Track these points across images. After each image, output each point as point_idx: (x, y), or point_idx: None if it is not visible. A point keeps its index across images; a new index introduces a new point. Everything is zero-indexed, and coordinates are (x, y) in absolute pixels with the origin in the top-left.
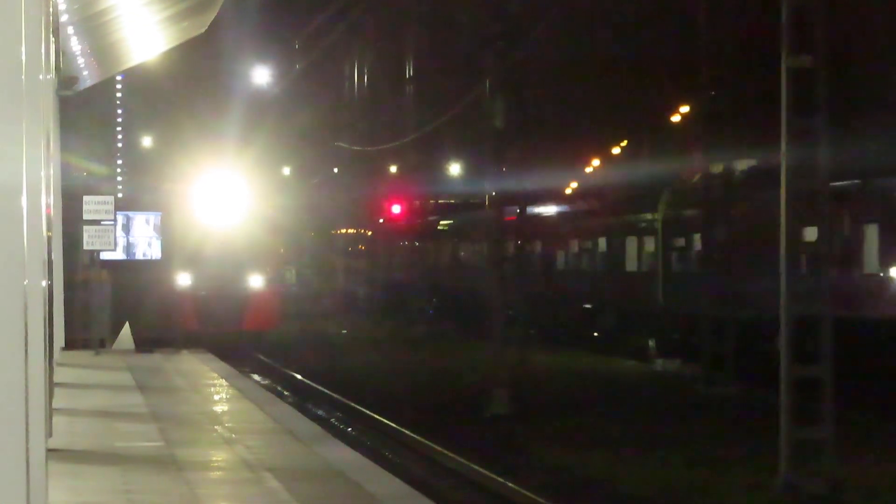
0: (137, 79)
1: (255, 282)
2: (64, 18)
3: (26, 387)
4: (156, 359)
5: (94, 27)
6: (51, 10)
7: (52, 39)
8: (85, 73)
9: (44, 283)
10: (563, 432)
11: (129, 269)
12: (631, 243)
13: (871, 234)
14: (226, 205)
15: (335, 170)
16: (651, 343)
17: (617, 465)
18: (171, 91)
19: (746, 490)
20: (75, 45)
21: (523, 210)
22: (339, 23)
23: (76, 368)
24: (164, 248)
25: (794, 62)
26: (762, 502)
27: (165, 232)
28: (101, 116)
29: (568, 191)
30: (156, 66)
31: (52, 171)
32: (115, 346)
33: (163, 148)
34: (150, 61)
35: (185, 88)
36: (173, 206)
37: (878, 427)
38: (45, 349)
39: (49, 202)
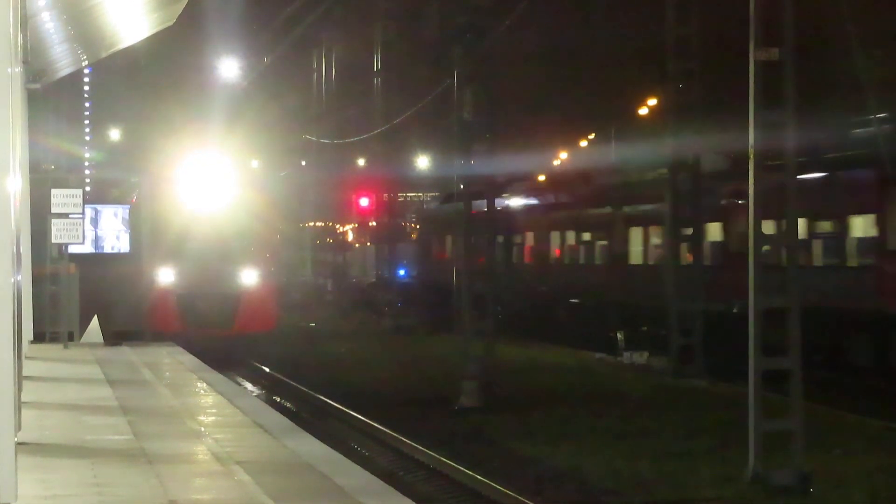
0: (105, 72)
1: (249, 277)
2: (42, 3)
3: None
4: (124, 352)
5: (71, 16)
6: (19, 3)
7: (21, 32)
8: (61, 62)
9: (13, 277)
10: (532, 424)
11: (99, 262)
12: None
13: None
14: (210, 189)
15: (303, 162)
16: (620, 335)
17: (586, 457)
18: (140, 84)
19: (715, 482)
20: (51, 32)
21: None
22: (308, 16)
23: (45, 362)
24: (141, 242)
25: (762, 55)
26: (731, 494)
27: (143, 223)
28: (69, 109)
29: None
30: (123, 58)
31: (19, 165)
32: (84, 339)
33: (132, 140)
34: (116, 54)
35: (154, 81)
36: (151, 195)
37: (845, 418)
38: (14, 343)
39: (17, 195)
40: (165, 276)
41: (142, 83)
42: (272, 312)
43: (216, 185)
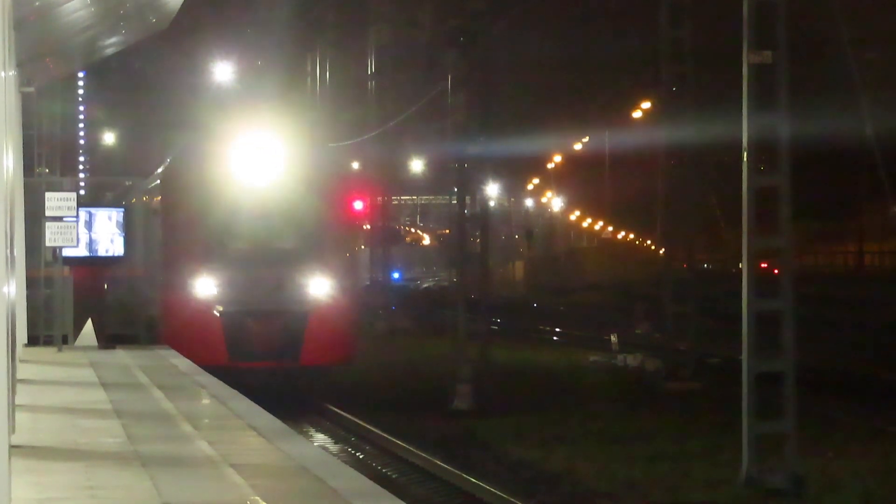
0: (98, 76)
1: (319, 288)
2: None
3: None
4: (118, 355)
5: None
6: (9, 5)
7: (13, 35)
8: (65, 59)
9: (6, 282)
10: (525, 427)
11: (94, 266)
12: None
13: None
14: (259, 169)
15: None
16: (613, 338)
17: (579, 460)
18: (136, 87)
19: (708, 485)
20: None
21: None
22: (301, 19)
23: (39, 365)
24: (162, 244)
25: (755, 58)
26: (724, 497)
27: (166, 219)
28: (64, 113)
29: None
30: (114, 62)
31: (13, 168)
32: (78, 342)
33: (128, 143)
34: (106, 57)
35: (149, 84)
36: (175, 184)
37: (839, 421)
38: (8, 346)
39: (10, 198)
40: (203, 288)
41: (139, 84)
42: (351, 338)
43: (267, 163)
